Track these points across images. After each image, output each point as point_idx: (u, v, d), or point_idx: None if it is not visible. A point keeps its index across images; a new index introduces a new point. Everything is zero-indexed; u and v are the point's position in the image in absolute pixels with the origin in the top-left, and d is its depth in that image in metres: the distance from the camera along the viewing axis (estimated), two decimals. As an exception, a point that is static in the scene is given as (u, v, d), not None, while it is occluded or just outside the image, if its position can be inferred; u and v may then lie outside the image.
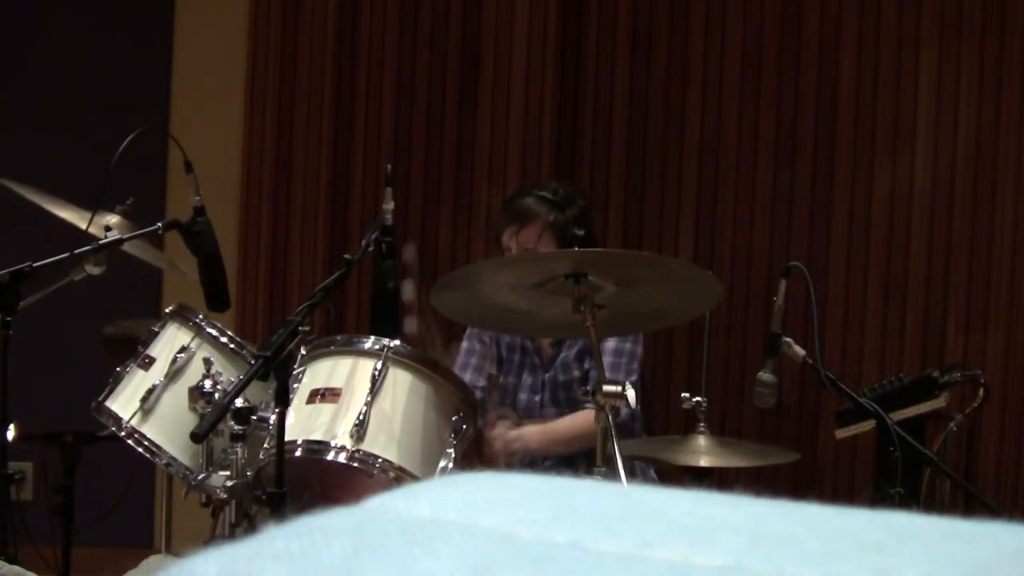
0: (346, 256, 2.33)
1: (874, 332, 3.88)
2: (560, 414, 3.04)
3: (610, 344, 3.00)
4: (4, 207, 2.82)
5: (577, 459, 3.06)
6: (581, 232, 2.99)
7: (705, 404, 2.61)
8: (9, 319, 2.42)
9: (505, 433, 2.91)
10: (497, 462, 2.90)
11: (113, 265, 2.53)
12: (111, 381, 2.57)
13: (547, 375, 3.10)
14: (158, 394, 2.49)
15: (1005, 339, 3.77)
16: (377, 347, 2.35)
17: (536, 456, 3.10)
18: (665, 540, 0.36)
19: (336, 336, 2.50)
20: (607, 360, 2.99)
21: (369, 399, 2.28)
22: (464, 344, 3.19)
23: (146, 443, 2.46)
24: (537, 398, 3.10)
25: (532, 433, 2.97)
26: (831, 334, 3.80)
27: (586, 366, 3.04)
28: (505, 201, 3.16)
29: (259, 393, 2.38)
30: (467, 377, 3.18)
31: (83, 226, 2.53)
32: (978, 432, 3.41)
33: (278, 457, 2.17)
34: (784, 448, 3.00)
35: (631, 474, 2.37)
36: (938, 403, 3.03)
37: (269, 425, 2.29)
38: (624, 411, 2.96)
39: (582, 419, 2.93)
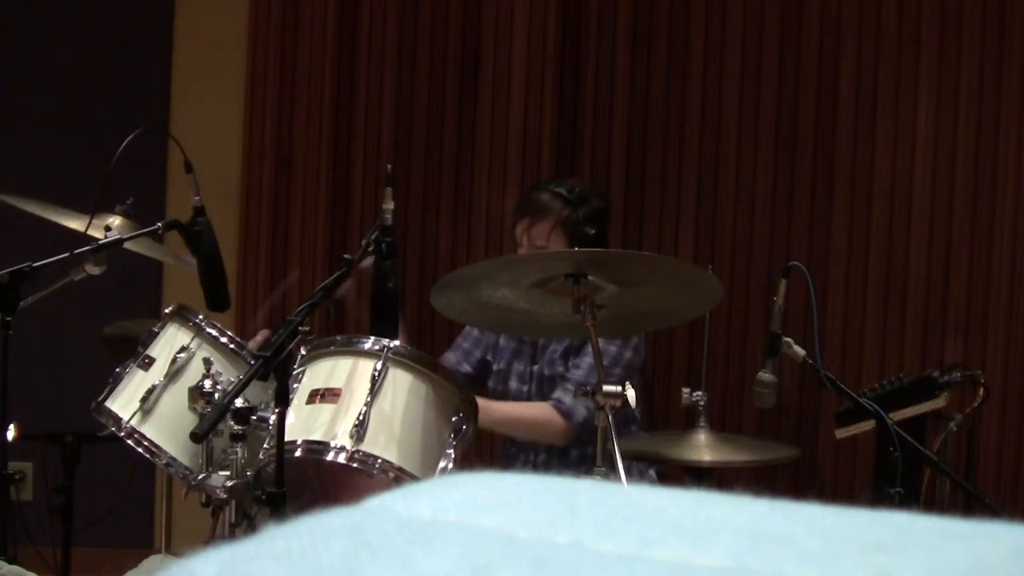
0: (346, 256, 2.33)
1: (874, 332, 3.88)
2: None
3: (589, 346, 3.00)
4: (4, 207, 2.82)
5: (574, 458, 3.07)
6: (592, 231, 2.99)
7: (705, 399, 2.62)
8: (9, 319, 2.42)
9: None
10: None
11: (113, 265, 2.53)
12: (111, 381, 2.57)
13: (535, 367, 3.11)
14: (158, 394, 2.49)
15: (1005, 339, 3.77)
16: (377, 347, 2.35)
17: (532, 453, 3.11)
18: (665, 540, 0.36)
19: (336, 336, 2.50)
20: (586, 360, 3.00)
21: (369, 399, 2.28)
22: (472, 331, 3.22)
23: (146, 443, 2.46)
24: (525, 388, 3.12)
25: (484, 411, 2.95)
26: (831, 334, 3.80)
27: (570, 364, 3.05)
28: (522, 194, 3.17)
29: (259, 393, 2.38)
30: (451, 356, 3.21)
31: (82, 228, 2.54)
32: (978, 432, 3.41)
33: (278, 457, 2.17)
34: (784, 444, 3.00)
35: (630, 474, 2.37)
36: (938, 403, 3.03)
37: (269, 425, 2.29)
38: (583, 413, 2.95)
39: (537, 410, 2.96)
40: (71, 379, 3.29)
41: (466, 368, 3.22)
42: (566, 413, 2.96)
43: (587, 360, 2.99)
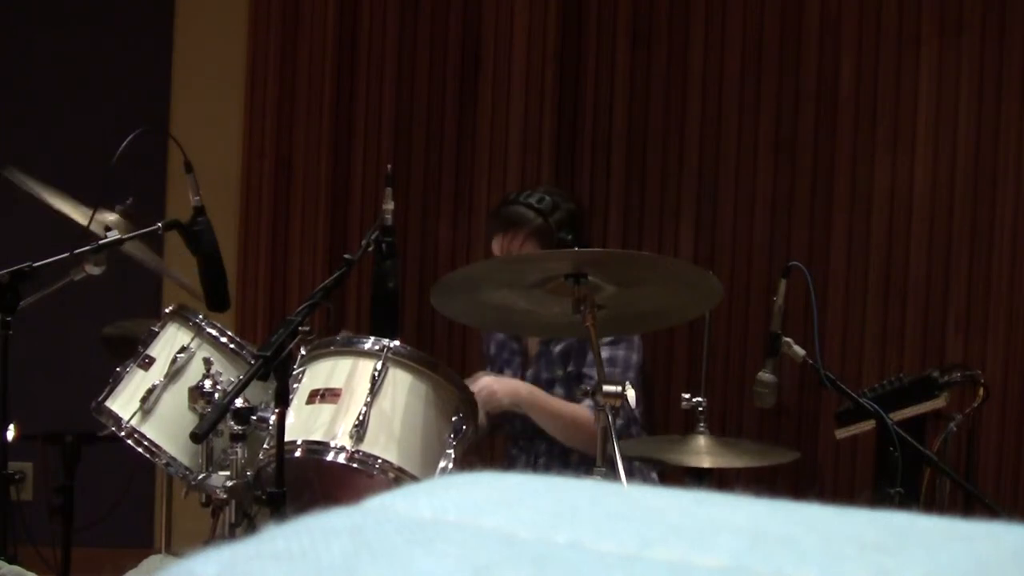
0: (346, 256, 2.33)
1: (874, 332, 3.88)
2: None
3: (603, 353, 3.00)
4: (4, 207, 2.82)
5: (574, 459, 3.07)
6: (569, 236, 3.01)
7: (705, 404, 2.61)
8: (9, 319, 2.42)
9: (489, 390, 2.88)
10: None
11: (113, 265, 2.53)
12: (111, 381, 2.57)
13: (529, 371, 3.12)
14: (158, 394, 2.49)
15: (1005, 339, 3.77)
16: (377, 347, 2.35)
17: (532, 455, 3.11)
18: (665, 540, 0.36)
19: (336, 336, 2.50)
20: (610, 366, 3.01)
21: (369, 399, 2.28)
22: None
23: (146, 443, 2.46)
24: None
25: (524, 389, 2.96)
26: (831, 334, 3.80)
27: (570, 368, 3.06)
28: (492, 209, 3.18)
29: (259, 393, 2.38)
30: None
31: (83, 222, 2.54)
32: (978, 432, 3.41)
33: (278, 457, 2.17)
34: (784, 448, 3.00)
35: (631, 475, 2.37)
36: (938, 403, 3.03)
37: (269, 425, 2.29)
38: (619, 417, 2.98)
39: (582, 411, 2.94)
40: (71, 379, 3.29)
41: None
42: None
43: (611, 368, 3.00)
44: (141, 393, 2.49)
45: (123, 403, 2.51)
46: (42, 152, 4.20)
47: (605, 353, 2.98)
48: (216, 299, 2.54)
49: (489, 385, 2.89)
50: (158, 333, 2.60)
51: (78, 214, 2.61)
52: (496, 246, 3.08)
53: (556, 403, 2.99)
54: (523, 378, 3.13)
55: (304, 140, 4.28)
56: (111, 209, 2.70)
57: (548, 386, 3.08)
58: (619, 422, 2.96)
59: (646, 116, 4.09)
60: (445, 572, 0.34)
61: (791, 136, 3.97)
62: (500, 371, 3.20)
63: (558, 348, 3.09)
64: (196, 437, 2.17)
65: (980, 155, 3.81)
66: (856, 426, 3.01)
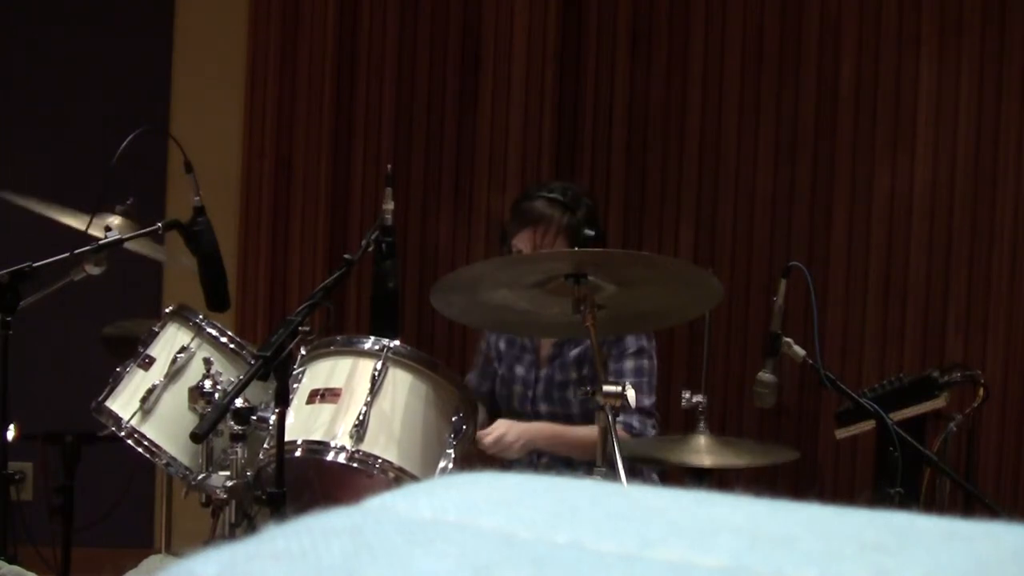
0: (346, 256, 2.33)
1: (874, 332, 3.88)
2: (551, 411, 3.05)
3: (629, 364, 2.98)
4: (4, 207, 2.82)
5: (576, 460, 3.06)
6: (592, 232, 2.98)
7: (705, 404, 2.61)
8: (9, 319, 2.42)
9: (500, 437, 2.88)
10: (494, 460, 2.87)
11: (113, 265, 2.53)
12: (111, 381, 2.57)
13: (543, 371, 3.10)
14: (158, 394, 2.49)
15: (1005, 339, 3.77)
16: (377, 347, 2.35)
17: (534, 455, 3.10)
18: (665, 540, 0.36)
19: (336, 336, 2.50)
20: (629, 381, 2.99)
21: (369, 399, 2.28)
22: (481, 344, 3.23)
23: (146, 443, 2.46)
24: (530, 392, 3.11)
25: (541, 429, 2.96)
26: (831, 334, 3.80)
27: (584, 372, 3.04)
28: (515, 203, 3.12)
29: (259, 393, 2.38)
30: (472, 378, 3.21)
31: (83, 228, 2.54)
32: (978, 432, 3.41)
33: (278, 457, 2.17)
34: (784, 448, 2.99)
35: (632, 475, 2.37)
36: (938, 403, 3.03)
37: (269, 425, 2.29)
38: (651, 432, 2.97)
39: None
40: (71, 379, 3.29)
41: (487, 386, 3.22)
42: (637, 435, 2.96)
43: (630, 380, 2.97)
44: (141, 393, 2.49)
45: (123, 403, 2.51)
46: (42, 152, 4.20)
47: (631, 363, 2.98)
48: (216, 299, 2.54)
49: (502, 438, 2.87)
50: (158, 333, 2.60)
51: (76, 222, 2.61)
52: (524, 242, 2.98)
53: (574, 433, 2.97)
54: (536, 379, 3.10)
55: (304, 140, 4.28)
56: (111, 209, 2.71)
57: (561, 389, 3.06)
58: (635, 423, 2.97)
59: (646, 116, 4.09)
60: (445, 572, 0.34)
61: (791, 136, 3.97)
62: (510, 368, 3.17)
63: (573, 352, 3.07)
64: (196, 437, 2.17)
65: (980, 155, 3.81)
66: (856, 426, 3.01)
